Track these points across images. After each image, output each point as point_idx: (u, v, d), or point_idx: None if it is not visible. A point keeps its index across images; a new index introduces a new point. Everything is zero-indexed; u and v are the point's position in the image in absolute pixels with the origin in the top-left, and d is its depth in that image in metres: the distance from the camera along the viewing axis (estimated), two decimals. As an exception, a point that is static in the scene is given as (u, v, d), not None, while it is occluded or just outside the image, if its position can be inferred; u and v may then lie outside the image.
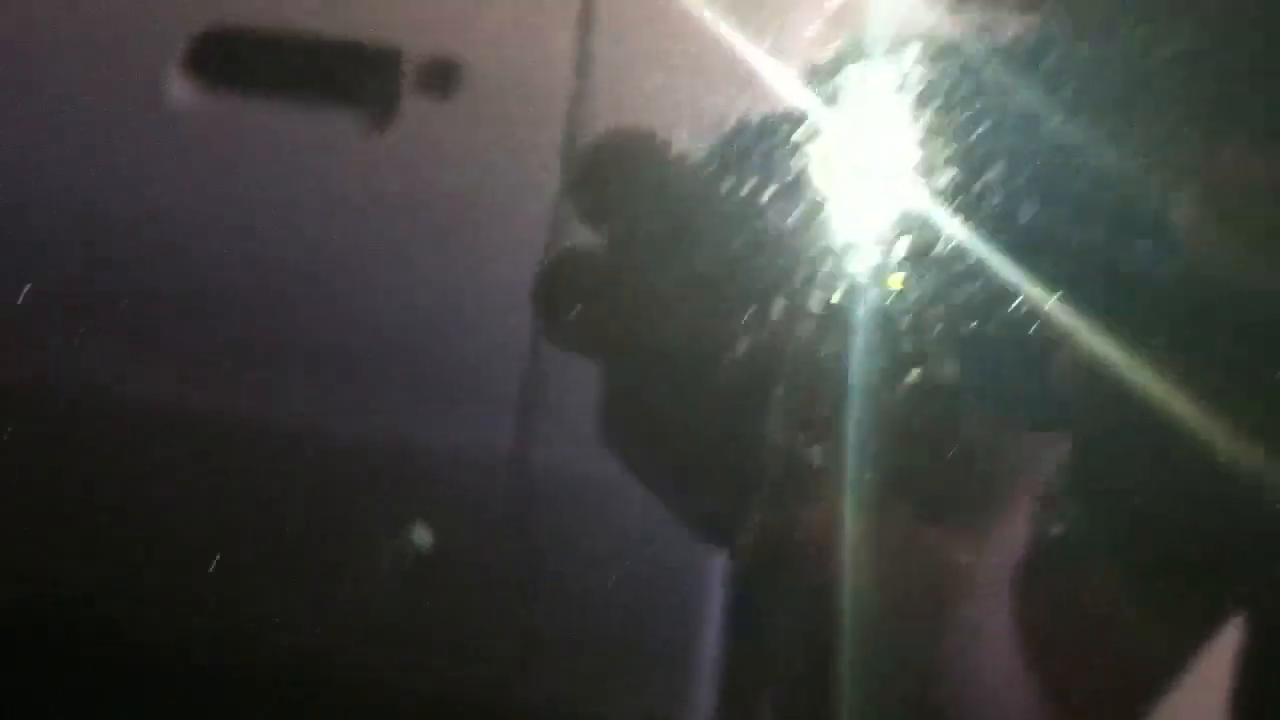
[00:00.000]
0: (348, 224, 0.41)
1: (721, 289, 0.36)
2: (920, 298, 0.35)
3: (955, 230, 0.35)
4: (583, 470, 0.40)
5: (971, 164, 0.35)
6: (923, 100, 0.35)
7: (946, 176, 0.35)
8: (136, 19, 0.41)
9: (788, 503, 0.36)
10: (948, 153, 0.35)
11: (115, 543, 0.42)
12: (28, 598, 0.43)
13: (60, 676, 0.42)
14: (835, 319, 0.35)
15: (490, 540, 0.41)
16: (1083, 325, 0.35)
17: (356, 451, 0.41)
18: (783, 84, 0.36)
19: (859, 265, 0.36)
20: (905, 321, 0.35)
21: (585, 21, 0.38)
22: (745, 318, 0.36)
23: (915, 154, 0.35)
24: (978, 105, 0.35)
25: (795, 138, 0.36)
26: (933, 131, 0.35)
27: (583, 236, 0.37)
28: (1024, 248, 0.35)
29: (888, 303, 0.35)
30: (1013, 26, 0.35)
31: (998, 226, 0.35)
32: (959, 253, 0.35)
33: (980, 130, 0.35)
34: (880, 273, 0.35)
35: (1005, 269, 0.35)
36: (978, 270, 0.35)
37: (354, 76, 0.40)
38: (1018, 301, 0.35)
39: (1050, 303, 0.35)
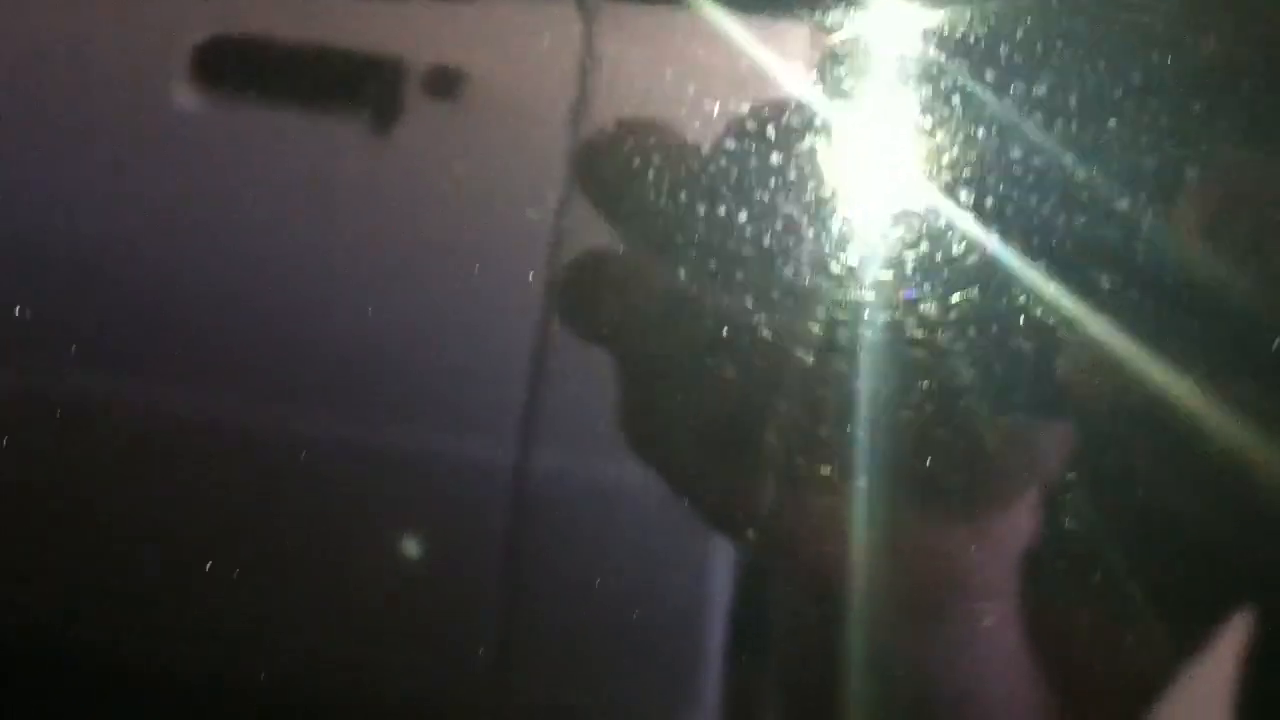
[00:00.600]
0: (351, 230, 0.41)
1: (729, 286, 0.36)
2: (926, 291, 0.36)
3: (960, 223, 0.35)
4: (585, 471, 0.40)
5: (976, 159, 0.36)
6: (927, 96, 0.36)
7: (950, 172, 0.36)
8: (142, 24, 0.42)
9: (796, 495, 0.37)
10: (952, 148, 0.36)
11: (111, 547, 0.42)
12: (18, 605, 0.42)
13: (47, 682, 0.42)
14: (842, 314, 0.36)
15: (491, 541, 0.41)
16: (1087, 317, 0.35)
17: (357, 455, 0.41)
18: (787, 83, 0.37)
19: (865, 260, 0.36)
20: (912, 315, 0.36)
21: (589, 29, 0.39)
22: (754, 314, 0.36)
23: (919, 150, 0.36)
24: (983, 101, 0.36)
25: (801, 136, 0.36)
26: (937, 128, 0.36)
27: (589, 240, 0.38)
28: (1029, 240, 0.35)
29: (894, 297, 0.36)
30: (1017, 21, 0.35)
31: (1003, 218, 0.35)
32: (964, 245, 0.36)
33: (985, 126, 0.36)
34: (886, 267, 0.36)
35: (1010, 261, 0.35)
36: (982, 263, 0.35)
37: (358, 83, 0.41)
38: (1022, 294, 0.35)
39: (1055, 295, 0.35)
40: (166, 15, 0.41)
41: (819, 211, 0.36)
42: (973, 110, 0.36)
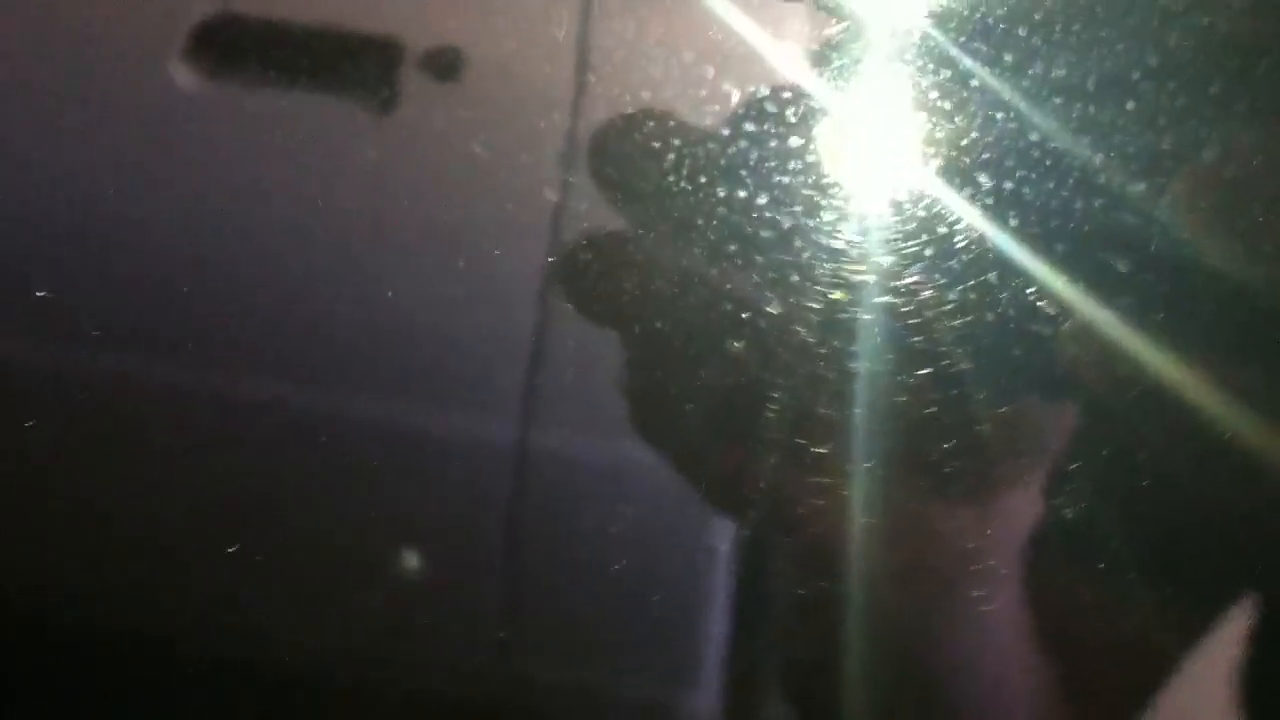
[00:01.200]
0: (349, 211, 0.41)
1: (733, 268, 0.36)
2: (928, 273, 0.35)
3: (960, 210, 0.35)
4: (588, 451, 0.40)
5: (977, 148, 0.35)
6: (928, 85, 0.36)
7: (951, 160, 0.35)
8: (141, 6, 0.42)
9: (798, 476, 0.37)
10: (952, 137, 0.35)
11: (112, 539, 0.42)
12: (24, 595, 0.43)
13: (51, 675, 0.42)
14: (844, 295, 0.36)
15: (493, 520, 0.41)
16: (1090, 301, 0.35)
17: (360, 435, 0.41)
18: (787, 69, 0.36)
19: (868, 242, 0.36)
20: (914, 297, 0.35)
21: (587, 10, 0.38)
22: (758, 295, 0.36)
23: (920, 138, 0.36)
24: (983, 90, 0.35)
25: (801, 123, 0.36)
26: (937, 117, 0.35)
27: (590, 221, 0.38)
28: (1030, 226, 0.35)
29: (897, 279, 0.35)
30: (1019, 10, 0.35)
31: (1003, 206, 0.35)
32: (965, 232, 0.35)
33: (985, 115, 0.35)
34: (889, 249, 0.36)
35: (1013, 244, 0.35)
36: (985, 246, 0.35)
37: (358, 64, 0.40)
38: (1024, 277, 0.35)
39: (1057, 278, 0.35)
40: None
41: (822, 193, 0.36)
42: (973, 92, 0.35)
